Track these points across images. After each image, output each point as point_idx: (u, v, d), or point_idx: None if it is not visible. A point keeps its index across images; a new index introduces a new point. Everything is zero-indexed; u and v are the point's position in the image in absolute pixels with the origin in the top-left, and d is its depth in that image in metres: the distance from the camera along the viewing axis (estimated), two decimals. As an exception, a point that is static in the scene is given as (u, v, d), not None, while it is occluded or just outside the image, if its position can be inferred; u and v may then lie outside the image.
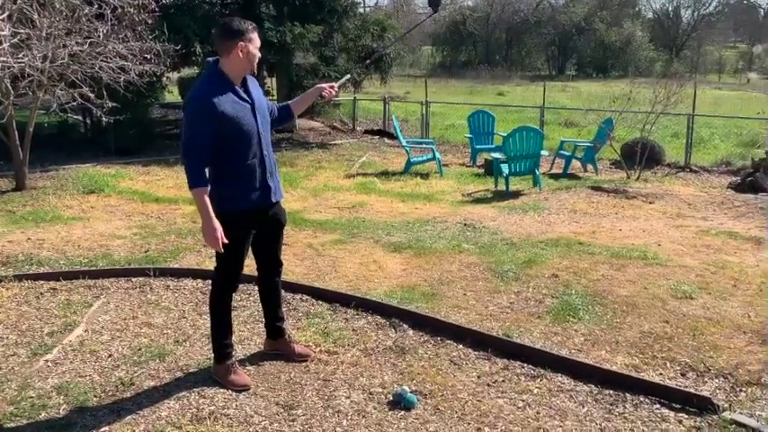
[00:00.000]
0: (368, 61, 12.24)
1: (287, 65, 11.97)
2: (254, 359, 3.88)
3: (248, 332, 4.26)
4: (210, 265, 5.54)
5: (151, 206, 7.90)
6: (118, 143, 11.53)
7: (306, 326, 4.35)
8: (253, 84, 3.44)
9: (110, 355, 3.91)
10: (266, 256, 3.71)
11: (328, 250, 6.12)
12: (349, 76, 4.77)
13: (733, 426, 3.18)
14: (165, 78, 12.69)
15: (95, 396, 3.45)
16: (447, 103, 18.79)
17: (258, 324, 4.33)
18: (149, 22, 7.71)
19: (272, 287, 3.81)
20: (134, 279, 5.22)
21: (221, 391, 3.51)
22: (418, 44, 47.33)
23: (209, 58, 3.37)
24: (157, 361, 3.84)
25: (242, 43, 3.25)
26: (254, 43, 3.30)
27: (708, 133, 15.00)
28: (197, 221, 7.15)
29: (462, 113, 17.96)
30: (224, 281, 3.56)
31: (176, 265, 5.55)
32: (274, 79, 15.97)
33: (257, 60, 3.37)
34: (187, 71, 15.32)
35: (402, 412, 3.32)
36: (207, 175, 3.24)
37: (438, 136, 14.82)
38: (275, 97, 16.60)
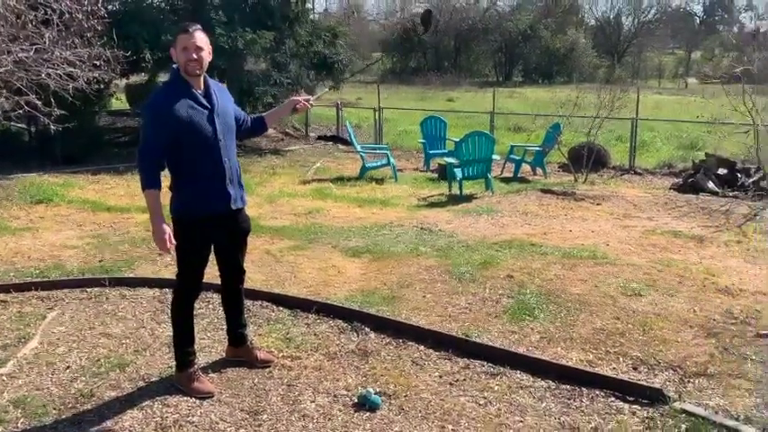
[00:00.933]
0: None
1: (238, 71, 11.90)
2: (217, 366, 3.88)
3: (209, 340, 4.24)
4: (167, 273, 5.54)
5: (103, 215, 7.76)
6: (65, 151, 11.25)
7: (267, 332, 4.35)
8: (219, 91, 3.46)
9: (67, 367, 3.85)
10: (229, 264, 3.71)
11: (287, 256, 6.13)
12: (327, 89, 4.79)
13: (683, 415, 3.34)
14: (113, 85, 12.45)
15: (55, 409, 3.39)
16: (399, 109, 18.92)
17: (219, 332, 4.32)
18: (99, 28, 7.57)
19: (234, 295, 3.82)
20: (89, 289, 5.12)
21: (185, 399, 3.49)
22: (368, 51, 47.51)
23: (174, 65, 3.38)
24: (118, 371, 3.79)
25: (171, 48, 3.33)
26: (178, 44, 3.29)
27: (650, 137, 15.52)
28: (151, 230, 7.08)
29: (414, 119, 18.12)
30: (185, 287, 3.55)
31: (132, 275, 5.48)
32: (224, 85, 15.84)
33: (191, 59, 3.28)
34: (135, 78, 15.04)
35: (367, 413, 3.37)
36: (160, 177, 3.29)
37: (391, 141, 14.93)
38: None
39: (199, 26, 3.34)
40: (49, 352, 4.05)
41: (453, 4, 46.30)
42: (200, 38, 3.31)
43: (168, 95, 3.28)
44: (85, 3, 7.29)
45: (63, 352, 4.05)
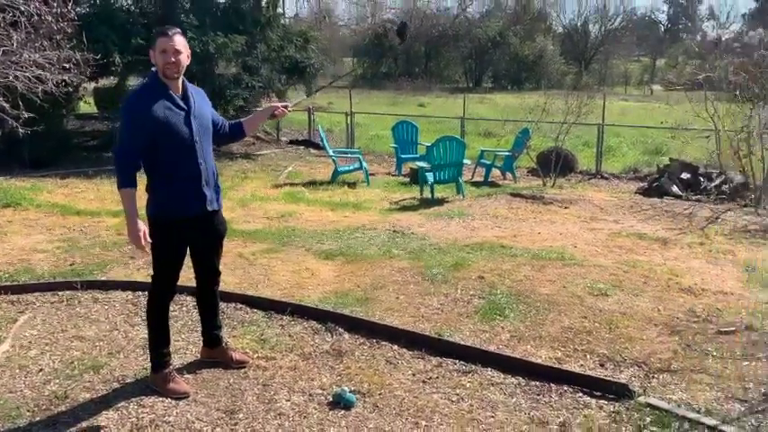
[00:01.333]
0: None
1: (210, 74, 11.88)
2: (192, 368, 3.90)
3: (183, 342, 4.25)
4: (139, 276, 5.54)
5: (73, 219, 7.68)
6: (33, 155, 11.09)
7: (242, 334, 4.38)
8: (197, 94, 3.51)
9: (40, 370, 3.84)
10: (204, 266, 3.74)
11: (260, 259, 6.15)
12: (305, 97, 4.83)
13: (648, 408, 3.46)
14: (82, 89, 12.33)
15: (28, 411, 3.39)
16: (371, 113, 19.02)
17: (193, 333, 4.34)
18: (68, 30, 7.51)
19: (209, 296, 3.85)
20: (60, 293, 5.09)
21: (160, 399, 3.51)
22: (339, 56, 47.57)
23: (153, 67, 3.41)
24: (92, 373, 3.79)
25: (150, 50, 3.36)
26: (157, 47, 3.32)
27: (616, 142, 15.85)
28: (122, 234, 7.01)
29: (386, 124, 18.23)
30: (160, 289, 3.58)
31: (104, 278, 5.46)
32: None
33: (169, 62, 3.32)
34: (105, 81, 14.90)
35: (342, 411, 3.43)
36: (136, 178, 3.34)
37: (363, 146, 15.01)
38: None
39: (178, 29, 3.38)
40: (21, 355, 4.03)
41: (424, 11, 46.62)
42: (179, 41, 3.35)
43: (145, 97, 3.32)
44: (55, 5, 7.21)
45: (35, 355, 4.04)
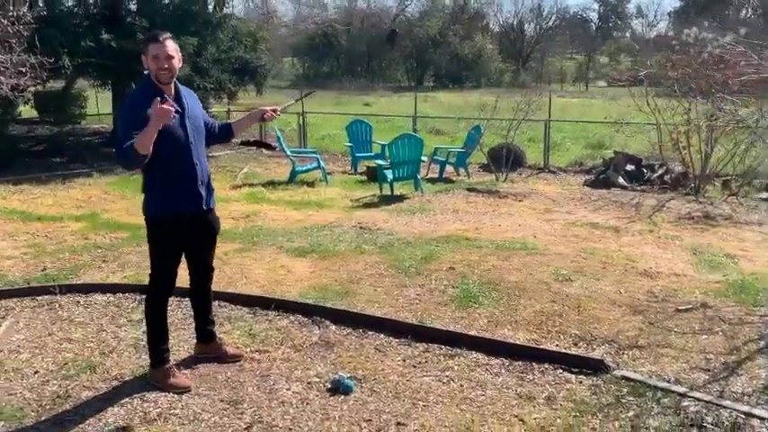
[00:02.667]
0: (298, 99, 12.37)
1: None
2: (188, 363, 4.00)
3: (174, 340, 4.29)
4: (115, 278, 5.57)
5: (34, 225, 7.56)
6: (-22, 161, 10.80)
7: (231, 329, 4.49)
8: (189, 96, 3.60)
9: (36, 372, 3.86)
10: (199, 263, 3.85)
11: (233, 258, 6.23)
12: (293, 101, 4.86)
13: (623, 380, 3.76)
14: (27, 92, 12.03)
15: (33, 411, 3.43)
16: (323, 113, 19.09)
17: (182, 331, 4.43)
18: (25, 34, 7.39)
19: (204, 293, 3.97)
20: (39, 298, 5.07)
21: (163, 394, 3.60)
22: (280, 56, 47.34)
23: (145, 71, 3.49)
24: (89, 373, 3.85)
25: (143, 55, 3.44)
26: (150, 52, 3.39)
27: (560, 137, 16.43)
28: (89, 238, 7.02)
29: (335, 123, 18.37)
30: (159, 287, 3.67)
31: (80, 282, 5.45)
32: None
33: (162, 68, 3.38)
34: (45, 86, 14.51)
35: (342, 396, 3.60)
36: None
37: (315, 145, 15.10)
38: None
39: (169, 34, 3.47)
40: (13, 359, 4.04)
41: (364, 11, 46.90)
42: (171, 46, 3.43)
43: (142, 100, 3.38)
44: (11, 9, 7.10)
45: (27, 358, 4.05)
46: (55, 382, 3.74)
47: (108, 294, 5.13)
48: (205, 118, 3.77)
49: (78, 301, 5.01)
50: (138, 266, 5.96)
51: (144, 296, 4.91)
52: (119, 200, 9.31)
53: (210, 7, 13.87)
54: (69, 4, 13.32)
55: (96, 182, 10.49)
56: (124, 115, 3.44)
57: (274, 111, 3.87)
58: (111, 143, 14.46)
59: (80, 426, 3.29)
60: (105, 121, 18.21)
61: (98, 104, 18.55)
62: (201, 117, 3.70)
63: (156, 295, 3.69)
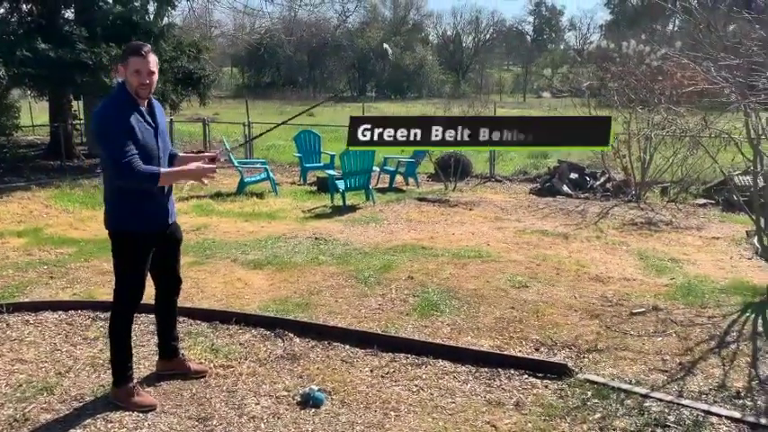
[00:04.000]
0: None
1: (102, 87, 11.44)
2: (150, 381, 3.89)
3: (134, 357, 4.19)
4: (65, 295, 5.38)
5: (-28, 242, 7.23)
6: None
7: (192, 345, 4.39)
8: (159, 111, 3.52)
9: (-13, 396, 3.68)
10: (166, 274, 3.77)
11: (187, 272, 6.04)
12: (237, 145, 4.66)
13: (587, 383, 3.85)
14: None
15: (-12, 437, 3.27)
16: (268, 123, 18.86)
17: (140, 348, 4.30)
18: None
19: (170, 306, 3.88)
20: (-16, 318, 4.84)
21: (127, 414, 3.49)
22: (218, 65, 46.72)
23: (118, 80, 3.40)
24: (45, 394, 3.69)
25: (121, 66, 3.35)
26: (130, 66, 3.31)
27: (503, 148, 16.74)
28: (33, 254, 6.75)
29: (280, 134, 18.19)
30: (127, 302, 3.56)
31: (27, 300, 5.23)
32: (82, 102, 15.12)
33: (144, 83, 3.33)
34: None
35: (313, 410, 3.56)
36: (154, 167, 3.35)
37: (262, 156, 14.95)
38: (83, 121, 15.69)
39: (149, 46, 3.38)
40: (-39, 382, 3.84)
41: (305, 21, 46.76)
42: (153, 60, 3.36)
43: (121, 110, 3.29)
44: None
45: (-23, 381, 3.86)
46: (10, 405, 3.57)
47: (59, 312, 4.94)
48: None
49: (27, 320, 4.81)
50: (87, 282, 5.77)
51: (99, 313, 4.84)
52: (61, 214, 8.99)
53: (151, 17, 13.62)
54: (1, 11, 12.84)
55: (35, 195, 10.10)
56: (111, 132, 3.26)
57: (213, 160, 3.65)
58: (49, 155, 13.97)
59: (41, 450, 3.15)
60: (40, 132, 17.58)
61: (32, 115, 17.89)
62: (167, 135, 3.64)
63: (123, 311, 3.58)
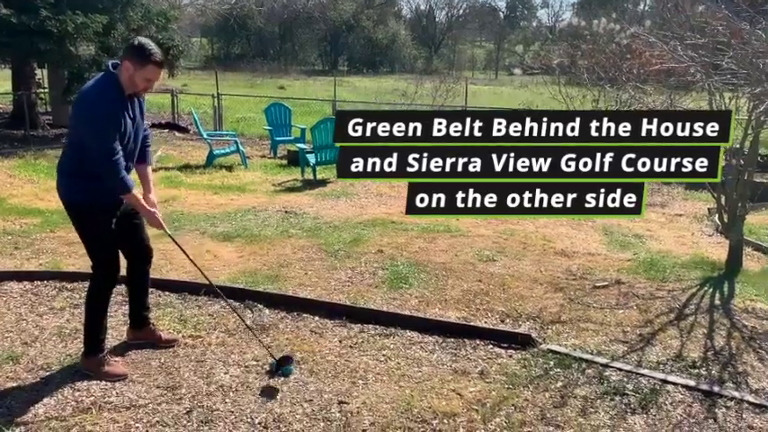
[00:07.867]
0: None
1: (67, 56, 11.17)
2: (119, 350, 3.89)
3: (102, 327, 4.19)
4: (31, 266, 5.33)
5: (-69, 212, 7.07)
6: None
7: (160, 315, 4.38)
8: (141, 104, 3.56)
9: (-48, 365, 3.65)
10: (136, 243, 3.79)
11: (156, 244, 5.91)
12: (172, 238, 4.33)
13: (550, 353, 3.96)
14: None
15: (-47, 406, 3.25)
16: (238, 95, 18.68)
17: (110, 319, 4.23)
18: None
19: (143, 276, 3.89)
20: (-53, 288, 4.78)
21: (95, 382, 3.50)
22: (187, 35, 45.83)
23: (110, 62, 3.37)
24: (12, 364, 3.68)
25: (131, 66, 3.31)
26: (146, 73, 3.33)
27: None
28: (-6, 224, 6.62)
29: (250, 106, 18.05)
30: (105, 274, 3.56)
31: (-9, 270, 5.16)
32: (46, 71, 14.74)
33: (148, 89, 3.46)
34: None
35: (282, 378, 3.61)
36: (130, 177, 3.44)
37: (231, 128, 14.80)
38: (47, 90, 15.32)
39: (162, 55, 3.45)
40: (-76, 353, 3.80)
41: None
42: (163, 72, 3.52)
43: (110, 99, 3.32)
44: None
45: (-60, 351, 3.82)
46: (-25, 375, 3.55)
47: (24, 282, 4.89)
48: (145, 128, 3.67)
49: (-8, 291, 4.76)
50: (54, 253, 5.71)
51: (65, 283, 4.82)
52: (26, 184, 8.82)
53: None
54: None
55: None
56: (103, 128, 3.26)
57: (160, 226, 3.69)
58: (12, 124, 13.64)
59: (8, 418, 3.15)
60: (2, 101, 17.13)
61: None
62: (143, 128, 3.62)
63: (101, 284, 3.57)
